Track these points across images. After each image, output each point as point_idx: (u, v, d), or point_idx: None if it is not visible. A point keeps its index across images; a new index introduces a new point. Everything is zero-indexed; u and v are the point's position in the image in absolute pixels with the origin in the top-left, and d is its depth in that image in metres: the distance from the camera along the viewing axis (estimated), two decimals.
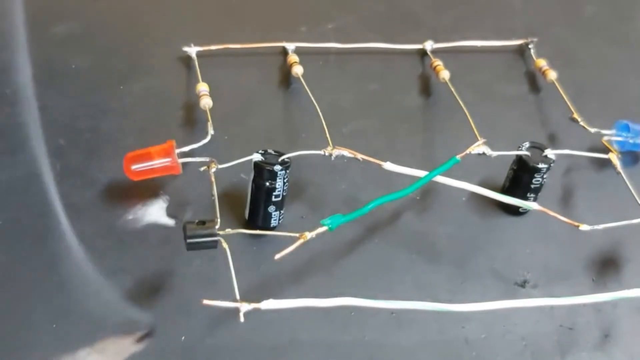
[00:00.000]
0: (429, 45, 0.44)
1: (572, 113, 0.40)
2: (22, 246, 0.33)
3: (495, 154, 0.36)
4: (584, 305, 0.33)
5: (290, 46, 0.43)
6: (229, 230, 0.29)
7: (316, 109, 0.37)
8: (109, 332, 0.30)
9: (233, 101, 0.40)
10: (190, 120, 0.39)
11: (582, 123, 0.40)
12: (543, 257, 0.35)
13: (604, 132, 0.39)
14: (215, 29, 0.45)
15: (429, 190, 0.37)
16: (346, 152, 0.34)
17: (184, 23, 0.45)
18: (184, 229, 0.29)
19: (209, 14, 0.47)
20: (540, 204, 0.34)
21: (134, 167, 0.34)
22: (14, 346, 0.29)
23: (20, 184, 0.35)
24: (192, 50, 0.42)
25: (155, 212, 0.34)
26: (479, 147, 0.36)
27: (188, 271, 0.32)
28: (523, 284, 0.34)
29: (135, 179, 0.34)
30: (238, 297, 0.27)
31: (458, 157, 0.34)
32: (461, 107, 0.39)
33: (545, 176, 0.36)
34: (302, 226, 0.30)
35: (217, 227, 0.29)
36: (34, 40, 0.43)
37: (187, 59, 0.42)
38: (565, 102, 0.41)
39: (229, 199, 0.35)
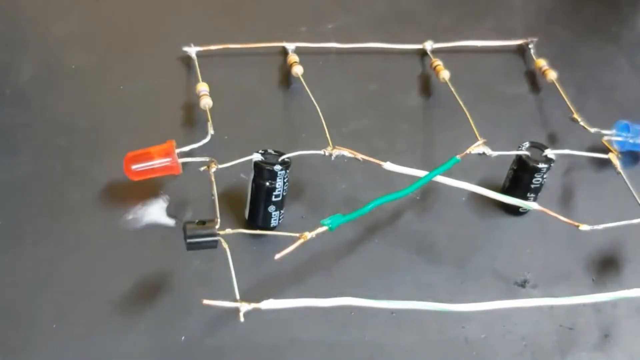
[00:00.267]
0: (429, 45, 0.44)
1: (572, 113, 0.40)
2: (22, 246, 0.33)
3: (495, 154, 0.36)
4: (584, 305, 0.33)
5: (290, 46, 0.43)
6: (229, 230, 0.29)
7: (316, 109, 0.37)
8: (109, 332, 0.30)
9: (233, 101, 0.40)
10: (190, 120, 0.39)
11: (582, 123, 0.40)
12: (543, 257, 0.35)
13: (604, 132, 0.39)
14: (215, 29, 0.45)
15: (429, 190, 0.37)
16: (346, 152, 0.34)
17: (184, 23, 0.45)
18: (184, 229, 0.29)
19: (209, 14, 0.47)
20: (540, 204, 0.34)
21: (134, 167, 0.34)
22: (14, 346, 0.29)
23: (20, 184, 0.35)
24: (192, 50, 0.42)
25: (155, 212, 0.34)
26: (479, 147, 0.36)
27: (188, 271, 0.32)
28: (523, 284, 0.34)
29: (135, 179, 0.34)
30: (238, 297, 0.27)
31: (458, 157, 0.34)
32: (461, 107, 0.39)
33: (545, 176, 0.36)
34: (302, 226, 0.30)
35: (217, 227, 0.29)
36: (34, 40, 0.43)
37: (187, 59, 0.42)
38: (565, 102, 0.41)
39: (229, 199, 0.35)
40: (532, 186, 0.36)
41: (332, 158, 0.34)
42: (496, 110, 0.42)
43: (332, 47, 0.44)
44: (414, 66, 0.44)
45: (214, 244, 0.29)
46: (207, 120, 0.36)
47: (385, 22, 0.47)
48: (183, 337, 0.30)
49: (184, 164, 0.34)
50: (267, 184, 0.32)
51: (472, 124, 0.37)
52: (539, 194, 0.36)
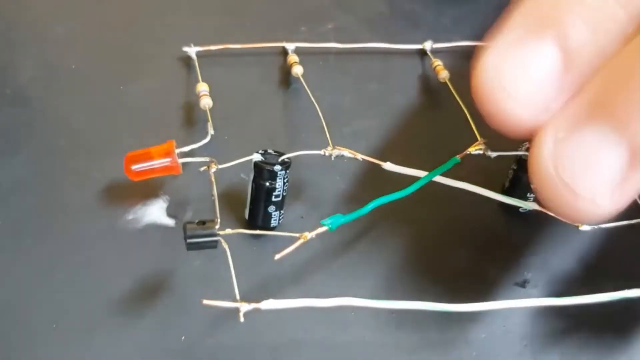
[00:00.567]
0: (428, 45, 0.44)
1: None
2: (22, 246, 0.33)
3: (495, 154, 0.36)
4: (584, 305, 0.33)
5: (290, 46, 0.43)
6: (228, 231, 0.29)
7: (316, 109, 0.37)
8: (109, 332, 0.30)
9: (233, 101, 0.40)
10: (191, 121, 0.39)
11: None
12: (543, 257, 0.35)
13: None
14: (215, 29, 0.45)
15: (429, 190, 0.37)
16: (346, 152, 0.34)
17: (184, 23, 0.45)
18: (184, 229, 0.29)
19: (209, 14, 0.47)
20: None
21: (133, 167, 0.34)
22: (14, 346, 0.29)
23: (20, 184, 0.35)
24: (192, 51, 0.42)
25: (155, 212, 0.34)
26: (479, 147, 0.36)
27: (188, 271, 0.32)
28: (523, 284, 0.34)
29: (135, 179, 0.34)
30: (238, 297, 0.27)
31: (458, 157, 0.34)
32: (461, 107, 0.39)
33: None
34: (302, 226, 0.30)
35: (217, 227, 0.29)
36: (34, 40, 0.43)
37: (187, 59, 0.42)
38: None
39: (229, 199, 0.35)
40: (532, 186, 0.36)
41: (332, 158, 0.34)
42: None
43: (332, 47, 0.44)
44: (414, 66, 0.44)
45: (214, 244, 0.29)
46: (207, 121, 0.36)
47: (385, 22, 0.47)
48: (183, 337, 0.30)
49: (184, 164, 0.34)
50: (267, 184, 0.32)
51: (472, 124, 0.37)
52: None
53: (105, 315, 0.31)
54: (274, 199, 0.33)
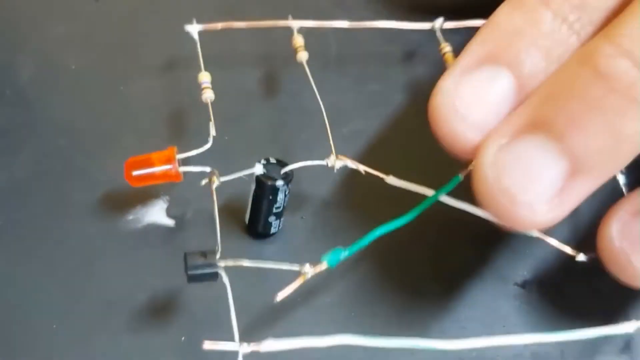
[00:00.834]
0: (438, 22, 0.41)
1: None
2: (22, 246, 0.33)
3: None
4: (584, 305, 0.33)
5: (296, 24, 0.40)
6: (229, 262, 0.29)
7: (317, 109, 0.36)
8: (109, 333, 0.30)
9: (233, 101, 0.40)
10: (191, 119, 0.39)
11: None
12: (543, 257, 0.35)
13: None
14: (215, 28, 0.45)
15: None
16: (349, 163, 0.33)
17: (184, 23, 0.45)
18: (185, 259, 0.29)
19: (209, 14, 0.46)
20: None
21: (134, 173, 0.33)
22: (14, 346, 0.30)
23: (20, 184, 0.35)
24: (194, 29, 0.40)
25: (156, 213, 0.34)
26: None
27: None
28: (523, 285, 0.34)
29: (136, 184, 0.34)
30: (237, 337, 0.27)
31: (460, 175, 0.34)
32: None
33: None
34: (302, 227, 0.30)
35: (217, 256, 0.29)
36: (34, 40, 0.43)
37: (187, 59, 0.42)
38: None
39: (230, 203, 0.35)
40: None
41: (335, 170, 0.33)
42: None
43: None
44: (414, 66, 0.44)
45: (215, 277, 0.29)
46: (209, 120, 0.35)
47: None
48: (183, 338, 0.30)
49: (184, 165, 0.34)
50: (269, 197, 0.32)
51: None
52: None
53: (105, 316, 0.31)
54: (274, 211, 0.33)
